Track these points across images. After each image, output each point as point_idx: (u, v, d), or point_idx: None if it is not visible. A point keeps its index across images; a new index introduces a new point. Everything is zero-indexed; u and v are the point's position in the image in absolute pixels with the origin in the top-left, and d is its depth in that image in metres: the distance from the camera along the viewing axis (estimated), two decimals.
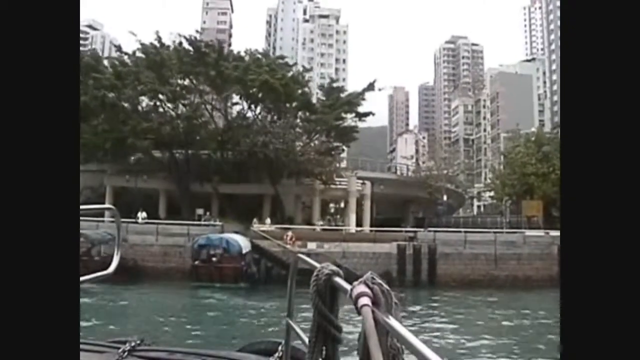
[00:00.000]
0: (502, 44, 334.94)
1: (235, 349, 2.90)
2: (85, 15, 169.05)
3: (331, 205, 60.10)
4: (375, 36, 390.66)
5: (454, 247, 36.40)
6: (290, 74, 47.69)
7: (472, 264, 35.85)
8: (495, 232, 38.85)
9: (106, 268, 2.75)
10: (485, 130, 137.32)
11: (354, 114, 50.17)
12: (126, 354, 2.66)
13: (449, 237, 37.66)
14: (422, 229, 40.54)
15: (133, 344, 2.74)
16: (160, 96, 44.23)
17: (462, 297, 29.66)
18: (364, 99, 50.18)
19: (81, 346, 2.23)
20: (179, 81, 45.41)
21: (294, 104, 48.28)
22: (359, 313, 1.34)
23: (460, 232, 40.00)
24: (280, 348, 2.48)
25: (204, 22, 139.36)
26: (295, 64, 55.48)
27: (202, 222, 39.24)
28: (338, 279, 1.63)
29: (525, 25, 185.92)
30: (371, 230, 43.51)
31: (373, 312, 1.33)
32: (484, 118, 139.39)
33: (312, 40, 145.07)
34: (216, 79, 44.39)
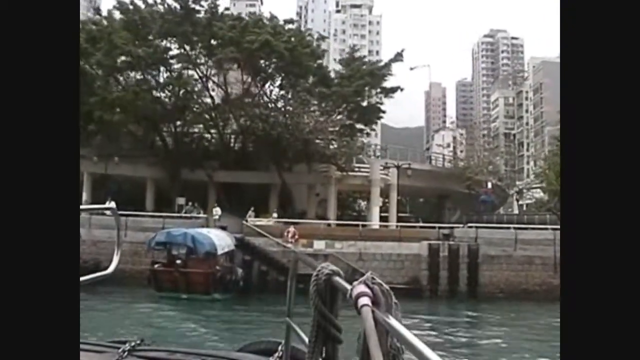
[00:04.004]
0: (542, 39, 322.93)
1: (235, 349, 2.94)
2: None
3: (359, 200, 53.82)
4: (410, 30, 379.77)
5: (501, 247, 29.43)
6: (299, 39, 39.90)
7: (525, 269, 29.07)
8: (554, 230, 30.58)
9: None
10: (527, 124, 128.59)
11: (378, 90, 42.45)
12: (126, 353, 2.65)
13: (494, 236, 30.55)
14: (460, 225, 32.81)
15: (133, 343, 2.74)
16: (143, 64, 36.87)
17: (509, 315, 23.90)
18: (390, 73, 42.57)
19: (81, 346, 2.23)
20: (162, 43, 38.08)
21: (311, 81, 40.80)
22: (359, 313, 1.34)
23: (509, 228, 32.13)
24: (280, 348, 2.49)
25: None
26: (309, 29, 47.78)
27: (183, 214, 32.22)
28: (338, 279, 1.63)
29: None
30: (397, 226, 36.28)
31: (373, 312, 1.33)
32: (526, 111, 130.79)
33: (343, 31, 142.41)
34: (210, 43, 37.04)
